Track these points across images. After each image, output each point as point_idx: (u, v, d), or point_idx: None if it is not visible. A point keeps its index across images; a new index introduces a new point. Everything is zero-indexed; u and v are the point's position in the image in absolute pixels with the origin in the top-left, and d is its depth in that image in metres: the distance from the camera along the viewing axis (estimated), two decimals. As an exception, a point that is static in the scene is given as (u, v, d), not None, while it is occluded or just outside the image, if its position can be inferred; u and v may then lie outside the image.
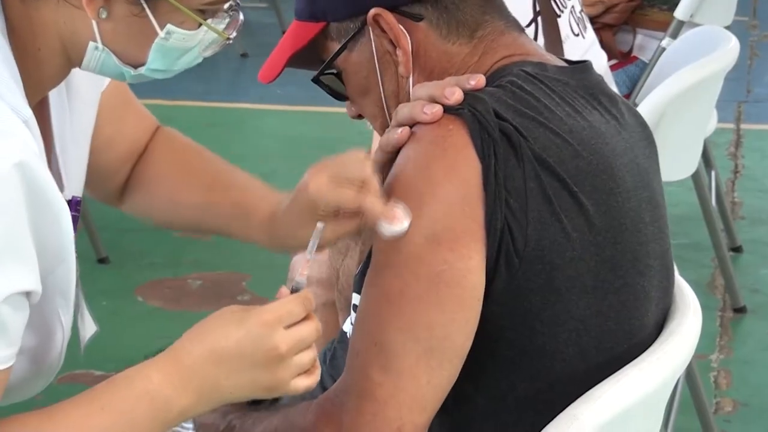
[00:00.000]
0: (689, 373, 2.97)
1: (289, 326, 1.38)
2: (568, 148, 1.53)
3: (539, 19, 2.72)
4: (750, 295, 3.95)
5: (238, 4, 1.45)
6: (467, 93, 1.54)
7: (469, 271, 1.48)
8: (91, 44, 1.39)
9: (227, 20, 1.44)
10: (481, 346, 1.52)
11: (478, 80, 1.56)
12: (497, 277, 1.49)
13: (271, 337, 1.37)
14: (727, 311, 3.87)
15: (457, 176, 1.49)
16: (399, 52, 1.63)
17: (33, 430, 1.32)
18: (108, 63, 1.41)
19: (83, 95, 1.56)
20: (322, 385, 1.64)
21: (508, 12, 1.68)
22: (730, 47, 3.07)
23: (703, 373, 3.42)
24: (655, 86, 2.99)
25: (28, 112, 1.36)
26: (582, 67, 1.66)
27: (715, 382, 3.48)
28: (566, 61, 1.68)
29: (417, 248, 1.48)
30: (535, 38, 2.72)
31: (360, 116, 1.75)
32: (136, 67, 1.42)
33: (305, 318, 1.40)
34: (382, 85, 1.66)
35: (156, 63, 1.41)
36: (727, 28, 3.51)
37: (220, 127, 5.66)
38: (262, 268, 3.93)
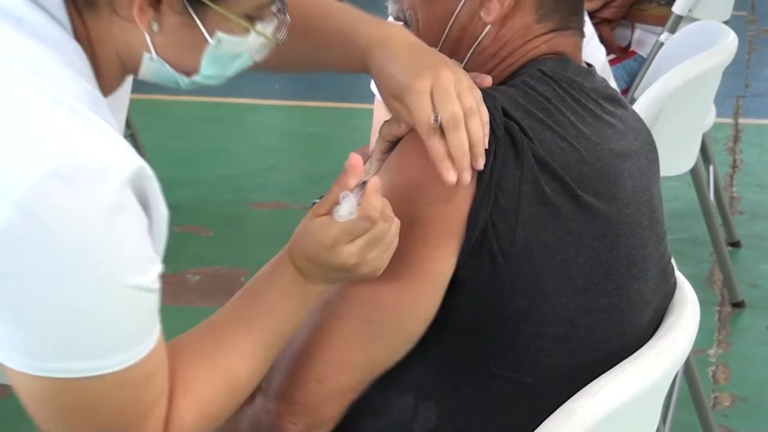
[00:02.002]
0: (687, 368, 2.97)
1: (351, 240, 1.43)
2: (574, 154, 1.53)
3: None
4: (748, 289, 3.95)
5: (284, 5, 1.44)
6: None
7: (431, 258, 1.49)
8: (146, 55, 1.40)
9: (275, 22, 1.44)
10: (462, 339, 1.53)
11: (484, 80, 1.56)
12: (478, 274, 1.49)
13: (337, 257, 1.43)
14: (726, 306, 3.87)
15: None
16: None
17: (209, 357, 1.42)
18: (163, 72, 1.43)
19: (122, 95, 1.57)
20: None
21: (583, 22, 1.65)
22: (729, 42, 3.07)
23: (702, 367, 3.43)
24: (654, 81, 2.98)
25: (115, 124, 1.37)
26: (588, 71, 1.65)
27: (714, 376, 3.48)
28: None
29: None
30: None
31: (398, 19, 1.65)
32: (189, 74, 1.43)
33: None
34: (458, 12, 1.60)
35: (209, 70, 1.43)
36: (726, 23, 3.51)
37: (218, 122, 5.66)
38: (261, 263, 3.91)
